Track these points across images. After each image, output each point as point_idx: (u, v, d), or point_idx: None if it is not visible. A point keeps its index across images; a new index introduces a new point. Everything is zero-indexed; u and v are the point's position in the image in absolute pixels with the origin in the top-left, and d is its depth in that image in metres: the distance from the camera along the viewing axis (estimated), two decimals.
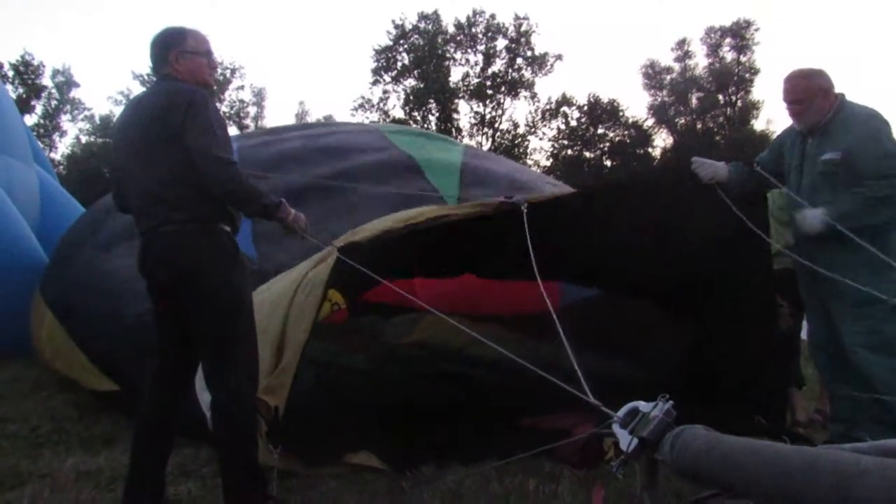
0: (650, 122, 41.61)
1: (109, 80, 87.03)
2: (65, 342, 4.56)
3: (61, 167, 35.43)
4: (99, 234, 5.11)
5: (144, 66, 37.90)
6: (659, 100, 41.15)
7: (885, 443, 1.08)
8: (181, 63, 2.65)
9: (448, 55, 40.82)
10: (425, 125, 38.17)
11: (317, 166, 5.37)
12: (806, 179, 3.32)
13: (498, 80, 40.60)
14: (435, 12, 40.46)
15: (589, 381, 1.90)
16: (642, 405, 1.31)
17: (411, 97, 39.97)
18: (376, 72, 40.62)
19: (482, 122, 40.69)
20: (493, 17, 40.34)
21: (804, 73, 3.35)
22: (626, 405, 1.33)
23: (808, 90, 3.29)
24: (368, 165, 5.52)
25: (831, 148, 3.21)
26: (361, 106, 40.73)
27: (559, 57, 40.64)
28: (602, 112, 41.21)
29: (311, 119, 44.99)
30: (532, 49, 40.53)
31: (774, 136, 4.47)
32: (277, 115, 49.47)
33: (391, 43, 40.37)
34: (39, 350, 5.15)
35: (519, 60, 40.63)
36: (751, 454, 1.03)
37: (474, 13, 40.44)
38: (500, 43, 40.60)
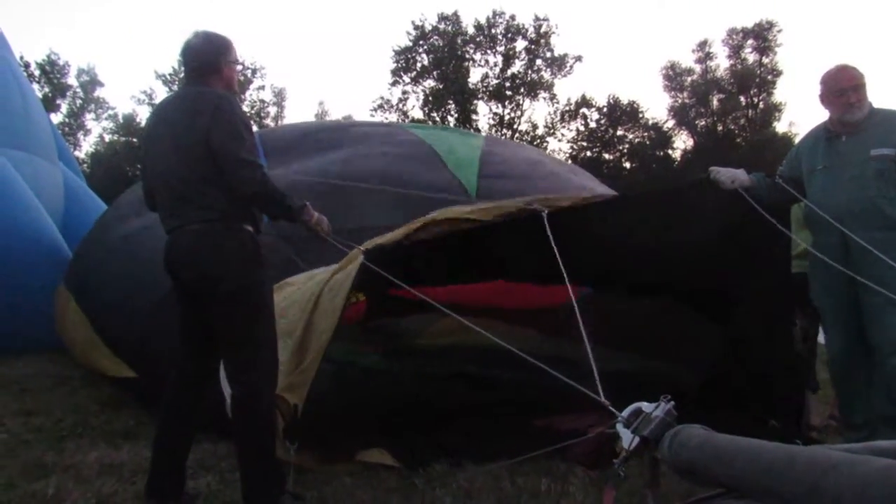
0: (670, 123, 41.33)
1: (133, 79, 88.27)
2: (86, 330, 4.64)
3: (85, 165, 35.96)
4: (122, 224, 5.20)
5: (167, 66, 38.39)
6: (679, 101, 40.80)
7: (876, 444, 1.11)
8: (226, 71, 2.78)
9: (467, 56, 40.78)
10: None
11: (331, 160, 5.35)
12: (845, 175, 3.23)
13: (517, 81, 40.49)
14: (455, 13, 40.48)
15: (609, 381, 1.91)
16: (645, 405, 1.35)
17: (430, 98, 39.99)
18: (396, 72, 40.74)
19: (501, 124, 40.62)
20: (512, 18, 40.28)
21: (850, 65, 3.31)
22: (630, 405, 1.37)
23: (863, 78, 3.26)
24: (388, 155, 5.53)
25: (876, 145, 3.16)
26: (381, 106, 40.91)
27: (579, 58, 40.52)
28: (622, 113, 40.97)
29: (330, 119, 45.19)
30: (551, 50, 40.42)
31: (797, 138, 4.41)
32: (297, 116, 49.74)
33: (411, 44, 40.44)
34: (64, 339, 5.22)
35: (538, 61, 40.50)
36: (738, 451, 1.07)
37: (494, 14, 40.39)
38: (520, 44, 40.51)
